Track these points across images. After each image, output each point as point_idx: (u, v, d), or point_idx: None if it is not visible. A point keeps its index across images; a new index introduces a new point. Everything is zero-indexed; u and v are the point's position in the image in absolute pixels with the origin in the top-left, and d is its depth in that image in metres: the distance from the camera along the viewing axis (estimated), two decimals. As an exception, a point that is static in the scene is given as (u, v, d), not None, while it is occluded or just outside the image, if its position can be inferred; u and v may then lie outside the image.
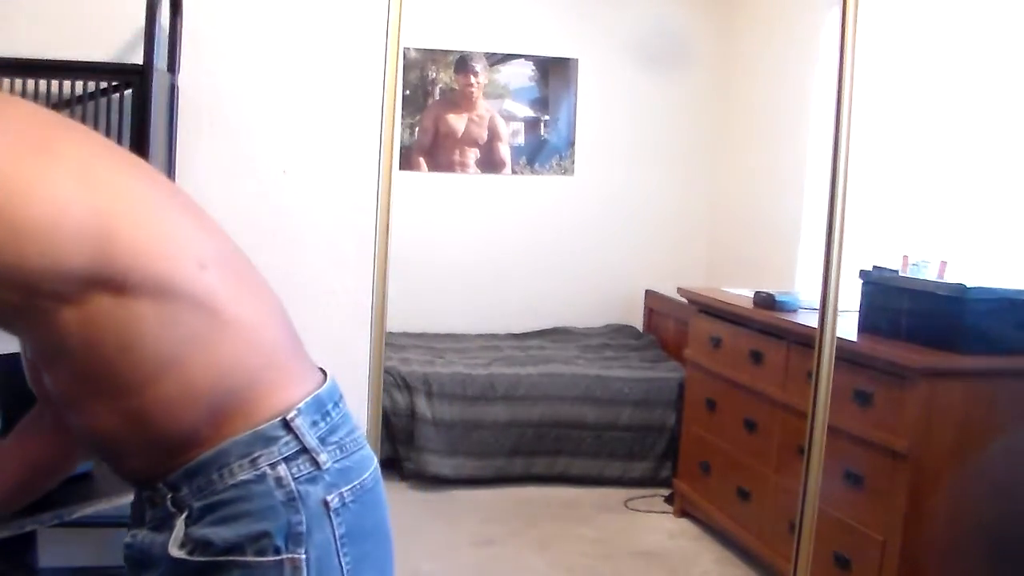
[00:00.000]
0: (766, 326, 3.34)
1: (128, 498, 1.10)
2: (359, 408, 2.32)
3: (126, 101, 1.99)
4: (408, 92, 5.05)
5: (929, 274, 2.93)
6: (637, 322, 5.27)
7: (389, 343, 4.04)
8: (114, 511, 1.52)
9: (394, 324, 4.40)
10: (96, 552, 2.23)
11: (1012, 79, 3.19)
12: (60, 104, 1.97)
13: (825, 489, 2.33)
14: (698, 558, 3.52)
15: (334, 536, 1.00)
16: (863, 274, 3.00)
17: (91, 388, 0.98)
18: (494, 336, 5.08)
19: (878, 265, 3.04)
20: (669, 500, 4.03)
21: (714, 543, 3.64)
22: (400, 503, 3.82)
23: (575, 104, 5.24)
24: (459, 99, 5.14)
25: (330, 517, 1.00)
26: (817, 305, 2.33)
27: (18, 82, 1.95)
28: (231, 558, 0.96)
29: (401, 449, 4.12)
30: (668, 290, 4.79)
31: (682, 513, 3.90)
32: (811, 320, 2.85)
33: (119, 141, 1.98)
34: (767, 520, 3.25)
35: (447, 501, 4.00)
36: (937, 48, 3.55)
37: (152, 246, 0.96)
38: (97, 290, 0.93)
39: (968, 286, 2.64)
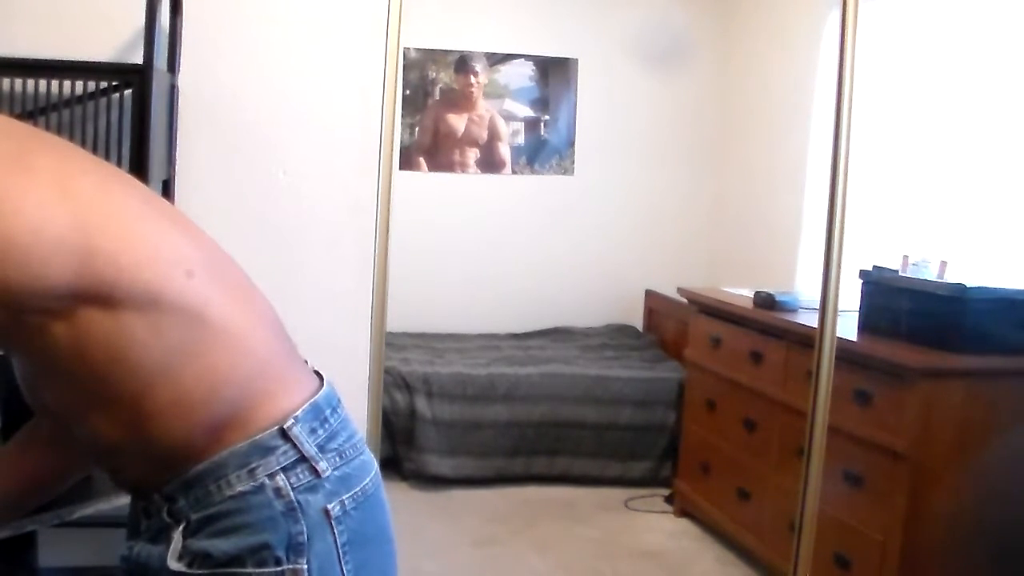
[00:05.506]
0: (766, 326, 3.34)
1: (128, 498, 1.10)
2: (359, 408, 2.32)
3: (126, 101, 1.98)
4: (408, 92, 5.05)
5: (929, 274, 2.93)
6: (637, 322, 5.27)
7: (389, 343, 4.03)
8: (114, 511, 1.52)
9: (394, 324, 4.40)
10: (96, 552, 2.23)
11: (1012, 79, 3.19)
12: (60, 104, 1.97)
13: (825, 489, 2.33)
14: (698, 558, 3.52)
15: (336, 544, 0.99)
16: (863, 274, 3.00)
17: (87, 400, 0.98)
18: (494, 336, 5.08)
19: (878, 265, 3.04)
20: (669, 500, 4.03)
21: (714, 543, 3.64)
22: (400, 503, 3.82)
23: (575, 104, 5.24)
24: (459, 99, 5.14)
25: (331, 525, 0.99)
26: (817, 305, 2.33)
27: (18, 82, 1.95)
28: (231, 570, 0.95)
29: (401, 449, 4.12)
30: (668, 290, 4.79)
31: (682, 513, 3.90)
32: (811, 320, 2.85)
33: (119, 141, 1.98)
34: (767, 520, 3.24)
35: (447, 501, 4.00)
36: (937, 48, 3.55)
37: (136, 257, 0.95)
38: (85, 304, 0.92)
39: (968, 286, 2.64)
